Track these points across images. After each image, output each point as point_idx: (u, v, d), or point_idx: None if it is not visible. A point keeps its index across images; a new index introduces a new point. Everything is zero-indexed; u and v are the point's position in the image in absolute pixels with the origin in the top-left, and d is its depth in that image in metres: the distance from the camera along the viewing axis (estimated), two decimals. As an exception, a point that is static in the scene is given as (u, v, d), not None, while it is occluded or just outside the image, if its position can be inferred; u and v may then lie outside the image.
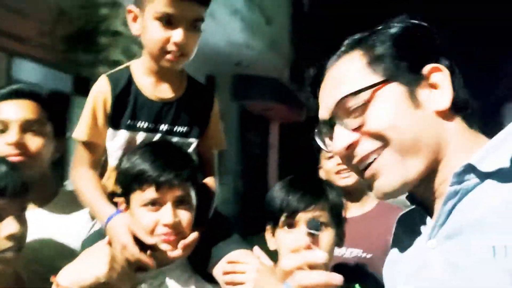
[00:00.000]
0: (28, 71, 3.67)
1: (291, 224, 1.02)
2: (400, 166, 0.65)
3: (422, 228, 0.70)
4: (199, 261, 1.06)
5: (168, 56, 1.03)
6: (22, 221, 0.91)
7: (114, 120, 1.08)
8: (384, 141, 0.65)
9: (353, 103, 0.67)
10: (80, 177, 1.09)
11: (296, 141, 10.08)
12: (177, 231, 0.98)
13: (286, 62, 7.21)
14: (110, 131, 1.09)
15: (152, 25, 1.01)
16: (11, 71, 3.53)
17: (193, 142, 1.14)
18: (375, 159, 0.67)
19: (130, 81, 1.08)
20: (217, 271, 1.03)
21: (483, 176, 0.62)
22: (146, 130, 1.09)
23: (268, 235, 1.10)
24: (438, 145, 0.66)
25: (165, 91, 1.10)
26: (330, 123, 0.71)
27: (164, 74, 1.10)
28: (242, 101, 7.76)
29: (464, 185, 0.63)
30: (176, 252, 0.98)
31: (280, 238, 1.04)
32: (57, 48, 4.09)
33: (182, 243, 0.98)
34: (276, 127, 9.98)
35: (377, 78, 0.67)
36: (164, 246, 0.98)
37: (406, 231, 0.74)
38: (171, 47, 1.02)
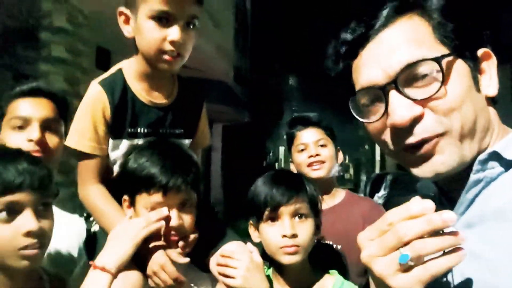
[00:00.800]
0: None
1: (274, 218, 1.10)
2: (459, 147, 0.62)
3: None
4: (196, 253, 1.11)
5: (165, 57, 1.00)
6: (45, 216, 0.88)
7: (115, 130, 1.06)
8: (449, 121, 0.61)
9: (426, 70, 0.61)
10: (94, 196, 1.06)
11: (239, 143, 10.18)
12: (180, 232, 1.03)
13: (231, 65, 7.29)
14: (111, 141, 1.07)
15: (147, 25, 0.98)
16: None
17: (187, 143, 1.17)
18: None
19: (125, 87, 1.06)
20: (212, 262, 1.09)
21: (508, 164, 0.61)
22: (147, 135, 1.09)
23: (251, 229, 1.17)
24: (487, 131, 0.64)
25: (159, 96, 1.10)
26: (385, 90, 0.63)
27: (157, 78, 1.08)
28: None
29: (487, 173, 0.61)
30: (176, 255, 1.03)
31: (264, 231, 1.11)
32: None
33: (182, 243, 1.03)
34: (219, 128, 10.01)
35: (446, 50, 0.63)
36: (171, 254, 1.01)
37: None
38: (167, 46, 0.99)
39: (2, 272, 0.86)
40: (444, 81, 0.61)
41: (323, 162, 1.60)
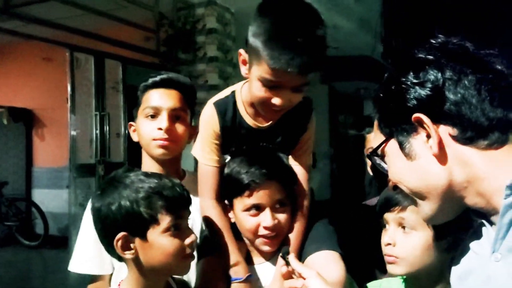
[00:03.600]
0: (138, 76, 4.06)
1: (384, 224, 1.05)
2: (423, 204, 0.73)
3: (487, 241, 0.71)
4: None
5: (269, 115, 1.08)
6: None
7: (223, 146, 1.17)
8: (402, 188, 0.76)
9: (376, 157, 0.80)
10: (210, 212, 1.15)
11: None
12: (276, 231, 1.09)
13: (377, 39, 6.90)
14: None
15: (256, 83, 1.02)
16: (126, 78, 3.92)
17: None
18: None
19: (235, 110, 1.15)
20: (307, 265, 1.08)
21: None
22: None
23: None
24: (452, 181, 0.69)
25: (263, 120, 1.14)
26: None
27: None
28: (332, 83, 7.64)
29: None
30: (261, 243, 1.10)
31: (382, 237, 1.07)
32: (160, 51, 4.45)
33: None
34: (370, 106, 9.66)
35: (382, 137, 0.77)
36: (264, 248, 1.10)
37: (474, 243, 0.75)
38: (272, 106, 1.02)
39: (146, 281, 0.99)
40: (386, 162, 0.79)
41: None
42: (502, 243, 0.65)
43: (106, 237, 0.97)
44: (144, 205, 0.94)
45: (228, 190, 1.13)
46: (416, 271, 1.01)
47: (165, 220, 0.94)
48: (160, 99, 1.22)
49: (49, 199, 6.07)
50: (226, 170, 1.13)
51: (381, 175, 1.43)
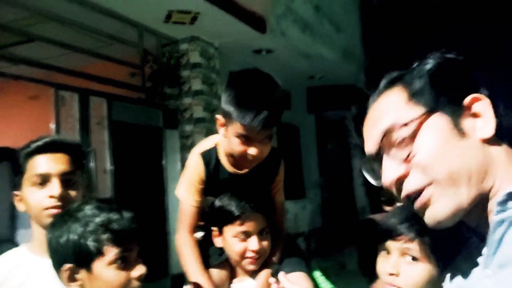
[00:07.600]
0: (124, 112, 4.08)
1: (387, 251, 1.03)
2: (451, 194, 0.66)
3: (479, 257, 0.70)
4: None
5: (246, 164, 1.32)
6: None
7: (206, 190, 1.40)
8: (433, 173, 0.66)
9: (400, 134, 0.69)
10: (184, 242, 1.38)
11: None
12: (260, 254, 1.33)
13: (360, 68, 7.06)
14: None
15: (233, 140, 1.26)
16: (112, 114, 3.93)
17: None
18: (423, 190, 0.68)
19: (217, 160, 1.38)
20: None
21: None
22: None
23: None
24: (486, 172, 0.66)
25: (241, 168, 1.38)
26: (378, 156, 0.73)
27: None
28: (319, 113, 7.74)
29: (510, 213, 0.62)
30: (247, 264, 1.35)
31: (378, 263, 1.06)
32: (146, 87, 4.49)
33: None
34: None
35: (420, 109, 0.69)
36: (250, 267, 1.35)
37: (465, 260, 0.75)
38: (249, 157, 1.27)
39: None
40: (416, 141, 0.68)
41: None
42: (493, 259, 0.65)
43: (56, 268, 1.01)
44: (90, 238, 0.98)
45: (220, 219, 1.35)
46: None
47: (111, 252, 0.98)
48: (48, 165, 1.14)
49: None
50: (218, 203, 1.36)
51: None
